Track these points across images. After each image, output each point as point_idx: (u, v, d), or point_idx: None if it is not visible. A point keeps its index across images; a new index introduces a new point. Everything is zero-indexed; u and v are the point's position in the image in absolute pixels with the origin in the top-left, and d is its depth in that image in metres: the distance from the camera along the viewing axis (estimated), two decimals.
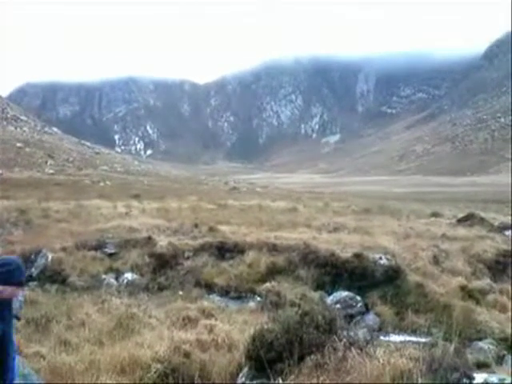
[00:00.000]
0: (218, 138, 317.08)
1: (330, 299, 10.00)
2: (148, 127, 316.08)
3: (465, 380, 3.36)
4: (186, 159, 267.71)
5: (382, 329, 9.24)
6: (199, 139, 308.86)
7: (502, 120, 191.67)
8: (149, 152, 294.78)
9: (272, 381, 3.71)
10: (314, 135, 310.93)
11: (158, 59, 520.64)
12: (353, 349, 4.01)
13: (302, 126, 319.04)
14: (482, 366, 4.12)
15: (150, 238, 13.60)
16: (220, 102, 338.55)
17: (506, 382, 3.46)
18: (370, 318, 9.60)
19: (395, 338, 8.41)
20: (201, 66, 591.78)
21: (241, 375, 4.41)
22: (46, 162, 59.88)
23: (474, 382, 3.42)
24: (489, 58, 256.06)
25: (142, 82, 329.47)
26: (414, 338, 8.29)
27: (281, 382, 3.56)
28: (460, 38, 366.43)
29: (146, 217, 18.27)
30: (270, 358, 4.04)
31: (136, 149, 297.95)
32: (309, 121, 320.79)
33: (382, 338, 8.13)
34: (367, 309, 10.17)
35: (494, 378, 3.52)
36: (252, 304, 10.40)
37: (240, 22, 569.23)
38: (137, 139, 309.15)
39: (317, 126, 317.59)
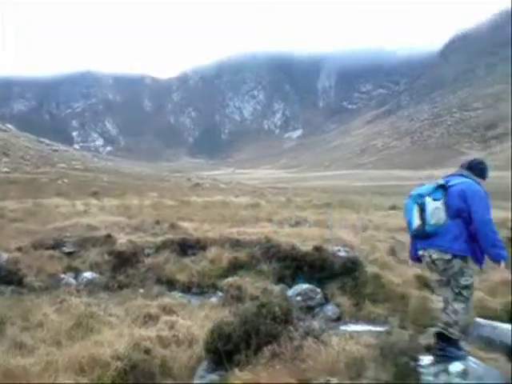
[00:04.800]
0: (180, 134, 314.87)
1: (290, 292, 10.10)
2: (107, 123, 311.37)
3: (412, 363, 3.52)
4: (148, 156, 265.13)
5: (341, 319, 9.40)
6: (161, 135, 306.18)
7: (458, 115, 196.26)
8: (109, 149, 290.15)
9: (230, 372, 3.79)
10: (277, 131, 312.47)
11: (117, 53, 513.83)
12: (309, 338, 4.12)
13: (265, 121, 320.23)
14: (431, 349, 4.27)
15: (109, 235, 13.47)
16: (182, 98, 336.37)
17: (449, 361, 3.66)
18: (330, 309, 9.74)
19: (354, 327, 8.56)
20: (162, 61, 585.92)
21: (200, 368, 4.47)
22: (1, 160, 58.23)
23: (421, 363, 3.60)
24: (445, 55, 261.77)
25: (101, 77, 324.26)
26: (371, 327, 8.46)
27: (238, 372, 3.64)
28: (418, 36, 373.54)
29: (105, 214, 18.10)
30: (228, 349, 4.10)
31: (95, 145, 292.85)
32: (271, 116, 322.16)
33: (341, 327, 8.30)
34: (327, 300, 10.30)
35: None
36: (214, 299, 10.40)
37: (202, 17, 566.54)
38: (96, 135, 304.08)
39: (279, 122, 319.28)
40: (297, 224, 16.56)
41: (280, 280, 10.95)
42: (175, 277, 11.59)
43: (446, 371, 3.58)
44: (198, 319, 8.11)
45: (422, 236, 4.29)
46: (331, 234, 13.83)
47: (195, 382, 4.32)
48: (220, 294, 10.68)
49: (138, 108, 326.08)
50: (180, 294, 10.78)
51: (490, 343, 7.36)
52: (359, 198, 38.61)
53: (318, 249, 11.50)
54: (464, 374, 3.60)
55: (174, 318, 8.11)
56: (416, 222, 4.25)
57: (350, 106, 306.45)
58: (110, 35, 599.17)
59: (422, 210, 4.20)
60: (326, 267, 11.04)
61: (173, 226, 15.08)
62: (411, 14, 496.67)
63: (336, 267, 11.02)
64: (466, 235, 4.19)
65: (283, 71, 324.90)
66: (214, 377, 4.19)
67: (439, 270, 4.34)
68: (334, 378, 3.49)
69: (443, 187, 4.26)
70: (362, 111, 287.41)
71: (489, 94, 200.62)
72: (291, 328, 4.13)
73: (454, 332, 4.19)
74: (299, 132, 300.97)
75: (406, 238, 14.53)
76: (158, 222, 15.81)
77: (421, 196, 4.25)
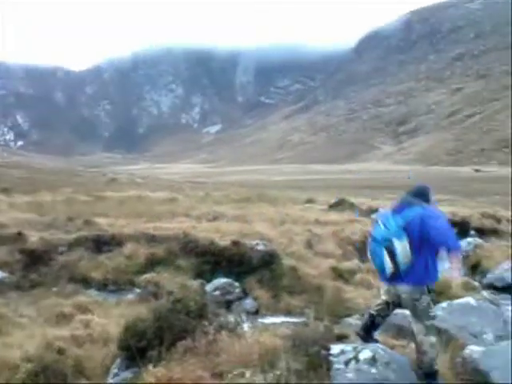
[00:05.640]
0: (95, 128, 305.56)
1: (209, 287, 10.12)
2: (18, 116, 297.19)
3: (323, 351, 3.64)
4: (61, 150, 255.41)
5: (259, 312, 9.53)
6: (75, 129, 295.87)
7: (372, 111, 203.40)
8: (20, 143, 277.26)
9: (143, 368, 3.75)
10: (195, 125, 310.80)
11: (28, 45, 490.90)
12: (223, 331, 4.15)
13: (183, 115, 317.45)
14: (343, 337, 4.45)
15: (20, 233, 12.89)
16: (96, 91, 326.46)
17: (359, 349, 3.82)
18: (248, 303, 9.87)
19: (271, 319, 8.71)
20: (75, 53, 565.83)
21: (113, 366, 4.39)
22: None
23: (332, 352, 3.73)
24: (359, 52, 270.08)
25: (12, 69, 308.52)
26: (288, 319, 8.63)
27: (151, 368, 3.61)
28: (333, 32, 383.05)
29: (15, 211, 17.29)
30: (142, 346, 4.07)
31: (5, 140, 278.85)
32: (189, 111, 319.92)
33: (258, 320, 8.42)
34: (245, 293, 10.41)
35: (349, 347, 3.84)
36: (131, 296, 10.24)
37: (115, 7, 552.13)
38: (6, 129, 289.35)
39: (197, 116, 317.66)
40: (215, 219, 16.57)
41: (198, 275, 10.93)
42: (90, 274, 11.29)
43: (356, 358, 3.73)
44: (113, 317, 7.96)
45: (397, 277, 4.35)
46: (249, 229, 13.96)
47: (109, 380, 4.25)
48: (137, 290, 10.52)
49: (51, 101, 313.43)
50: (96, 292, 10.53)
51: (401, 330, 7.72)
52: (277, 192, 39.15)
53: (236, 243, 11.57)
54: (372, 360, 3.76)
55: (89, 316, 7.92)
56: (389, 267, 4.25)
57: (267, 101, 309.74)
58: (21, 26, 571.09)
59: (392, 253, 4.21)
60: (245, 261, 11.14)
61: (87, 223, 14.65)
62: (327, 11, 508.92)
63: (254, 261, 11.14)
64: (433, 260, 4.37)
65: (201, 65, 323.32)
66: (127, 374, 4.13)
67: (406, 307, 4.51)
68: (247, 370, 3.55)
69: (403, 225, 4.29)
70: (280, 106, 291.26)
71: (400, 90, 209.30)
72: (206, 322, 4.15)
73: (427, 368, 4.35)
74: (218, 127, 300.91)
75: (321, 231, 14.95)
76: (71, 219, 15.29)
77: (387, 240, 4.24)
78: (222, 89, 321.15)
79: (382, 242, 4.27)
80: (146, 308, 5.81)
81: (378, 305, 4.82)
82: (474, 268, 14.57)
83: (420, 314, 4.44)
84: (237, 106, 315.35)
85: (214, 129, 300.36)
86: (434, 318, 4.55)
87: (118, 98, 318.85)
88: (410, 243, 4.21)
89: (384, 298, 4.70)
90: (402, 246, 4.17)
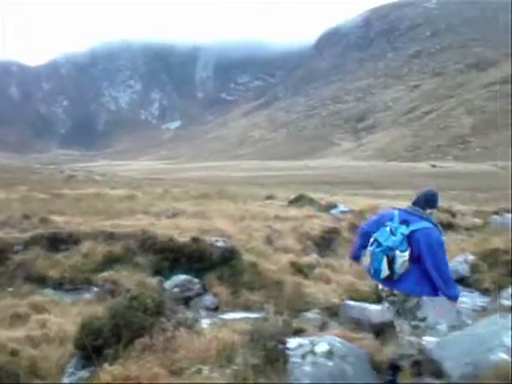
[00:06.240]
0: (51, 125, 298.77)
1: (168, 284, 10.05)
2: None
3: (280, 345, 3.68)
4: (17, 147, 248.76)
5: (218, 308, 9.53)
6: (31, 126, 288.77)
7: (331, 107, 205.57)
8: None
9: (99, 367, 3.70)
10: (154, 121, 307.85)
11: None
12: (181, 328, 4.13)
13: (142, 111, 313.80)
14: (301, 331, 4.48)
15: None
16: (53, 86, 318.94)
17: (316, 342, 3.87)
18: (208, 299, 9.85)
19: (231, 315, 8.72)
20: (29, 48, 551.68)
21: (69, 366, 4.32)
22: None
23: (289, 345, 3.77)
24: (318, 48, 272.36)
25: None
26: (248, 314, 8.65)
27: (107, 367, 3.57)
28: (293, 28, 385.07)
29: None
30: (98, 344, 4.01)
31: None
32: (148, 107, 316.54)
33: (218, 316, 8.42)
34: (205, 290, 10.38)
35: (306, 341, 3.89)
36: (88, 295, 10.09)
37: (73, 2, 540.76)
38: None
39: (157, 112, 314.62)
40: (174, 215, 16.41)
41: (157, 272, 10.84)
42: (47, 273, 11.05)
43: (313, 352, 3.77)
44: (70, 316, 7.82)
45: (389, 281, 4.50)
46: (209, 225, 13.91)
47: (64, 380, 4.18)
48: (95, 289, 10.37)
49: (6, 97, 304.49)
50: (52, 291, 10.33)
51: (359, 324, 7.86)
52: (237, 188, 39.16)
53: (195, 240, 11.52)
54: (329, 353, 3.81)
55: (45, 316, 7.76)
56: (385, 271, 4.40)
57: (227, 98, 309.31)
58: None
59: (392, 261, 4.35)
60: (204, 258, 11.10)
61: (43, 220, 14.30)
62: (287, 7, 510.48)
63: (214, 257, 11.12)
64: (426, 277, 4.44)
65: (160, 60, 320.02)
66: (83, 373, 4.07)
67: (399, 302, 4.58)
68: (205, 366, 3.55)
69: (408, 236, 4.41)
70: (240, 103, 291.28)
71: (359, 87, 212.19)
72: (164, 319, 4.13)
73: (404, 365, 4.49)
74: (177, 123, 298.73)
75: (281, 227, 15.03)
76: (27, 217, 14.90)
77: (391, 249, 4.35)
78: (182, 84, 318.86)
79: (385, 250, 4.40)
80: (103, 306, 5.74)
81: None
82: None
83: (406, 313, 4.58)
84: (196, 102, 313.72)
85: (173, 125, 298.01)
86: (422, 319, 4.69)
87: (76, 93, 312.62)
88: (410, 254, 4.38)
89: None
90: (402, 258, 4.33)
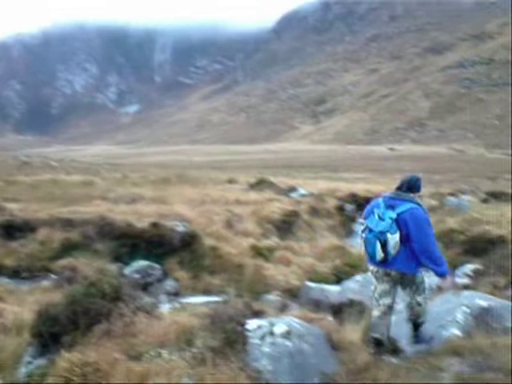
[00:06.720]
0: (3, 109, 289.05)
1: (128, 270, 9.98)
2: None
3: (239, 328, 3.72)
4: None
5: (180, 293, 9.53)
6: None
7: (291, 91, 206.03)
8: None
9: (57, 355, 3.67)
10: (112, 105, 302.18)
11: None
12: (140, 313, 4.13)
13: (99, 95, 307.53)
14: (261, 313, 4.53)
15: None
16: (4, 69, 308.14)
17: (274, 323, 3.93)
18: (169, 284, 9.83)
19: (192, 299, 8.74)
20: None
21: (26, 354, 4.26)
22: None
23: (248, 327, 3.82)
24: (277, 32, 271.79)
25: None
26: (210, 298, 8.69)
27: (65, 354, 3.54)
28: (253, 11, 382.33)
29: None
30: (56, 332, 3.97)
31: None
32: (105, 90, 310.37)
33: (180, 300, 8.43)
34: (166, 275, 10.36)
35: (265, 322, 3.94)
36: (46, 283, 9.92)
37: None
38: None
39: (114, 96, 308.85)
40: (133, 201, 16.25)
41: (117, 259, 10.74)
42: (2, 262, 10.82)
43: (271, 333, 3.82)
44: (27, 304, 7.68)
45: (384, 263, 4.83)
46: (169, 210, 13.84)
47: (22, 369, 4.12)
48: (53, 276, 10.22)
49: None
50: (8, 280, 10.12)
51: (318, 304, 7.99)
52: (197, 172, 39.00)
53: (155, 225, 11.45)
54: (287, 334, 3.87)
55: (1, 305, 7.60)
56: (379, 255, 4.73)
57: (186, 81, 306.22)
58: None
59: (384, 244, 4.68)
60: (165, 243, 11.05)
61: None
62: None
63: (174, 242, 11.08)
64: (415, 255, 4.79)
65: (116, 43, 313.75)
66: (41, 362, 4.02)
67: (396, 279, 4.94)
68: (164, 350, 3.56)
69: (396, 219, 4.72)
70: (199, 86, 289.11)
71: (318, 71, 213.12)
72: (122, 305, 4.11)
73: (421, 320, 5.06)
74: (135, 107, 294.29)
75: (241, 211, 15.08)
76: None
77: (382, 233, 4.68)
78: (139, 68, 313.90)
79: (377, 235, 4.73)
80: (61, 294, 5.66)
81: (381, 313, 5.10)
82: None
83: (408, 288, 4.99)
84: (155, 85, 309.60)
85: (131, 109, 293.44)
86: (421, 282, 5.04)
87: (29, 76, 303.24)
88: (400, 235, 4.71)
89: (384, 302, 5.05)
90: (394, 240, 4.67)
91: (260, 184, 22.79)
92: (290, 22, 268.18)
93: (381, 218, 4.77)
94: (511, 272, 8.41)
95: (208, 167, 58.69)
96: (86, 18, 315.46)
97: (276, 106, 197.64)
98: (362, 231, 4.97)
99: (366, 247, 4.92)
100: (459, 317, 5.38)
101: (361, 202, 23.44)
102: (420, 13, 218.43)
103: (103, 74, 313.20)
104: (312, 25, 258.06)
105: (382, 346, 4.83)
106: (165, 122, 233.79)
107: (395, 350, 4.88)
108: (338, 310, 7.39)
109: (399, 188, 4.98)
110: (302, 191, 22.22)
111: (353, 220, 21.00)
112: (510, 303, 5.82)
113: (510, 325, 5.23)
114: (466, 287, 7.45)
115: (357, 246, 14.97)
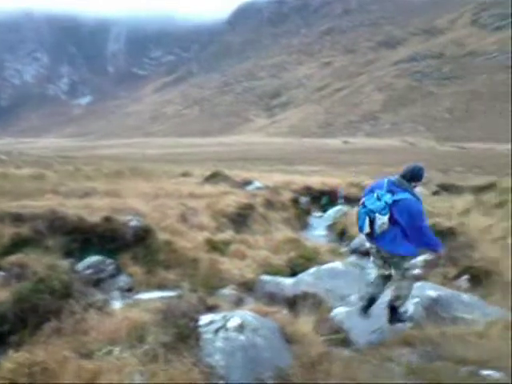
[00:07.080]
0: None
1: (80, 265, 9.78)
2: None
3: (192, 323, 3.70)
4: None
5: (133, 288, 9.40)
6: None
7: (245, 84, 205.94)
8: None
9: (5, 354, 3.56)
10: (64, 96, 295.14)
11: None
12: (91, 310, 4.06)
13: (50, 86, 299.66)
14: (215, 308, 4.52)
15: None
16: None
17: (228, 317, 3.93)
18: (122, 279, 9.67)
19: (146, 295, 8.64)
20: None
21: None
22: None
23: (201, 322, 3.81)
24: (232, 24, 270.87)
25: None
26: (164, 293, 8.61)
27: (12, 354, 3.44)
28: (207, 1, 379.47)
29: None
30: (3, 331, 3.86)
31: None
32: (56, 81, 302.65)
33: (134, 296, 8.32)
34: (120, 271, 10.20)
35: (218, 317, 3.94)
36: None
37: None
38: None
39: (66, 87, 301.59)
40: (86, 195, 15.91)
41: (69, 254, 10.51)
42: None
43: (225, 327, 3.82)
44: None
45: (370, 237, 5.36)
46: (122, 204, 13.62)
47: None
48: (1, 273, 9.94)
49: None
50: None
51: (273, 297, 8.03)
52: (151, 166, 38.56)
53: (107, 219, 11.25)
54: (241, 327, 3.87)
55: None
56: (366, 229, 5.27)
57: (140, 72, 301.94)
58: None
59: (372, 222, 5.20)
60: (118, 238, 10.87)
61: None
62: None
63: (128, 237, 10.92)
64: (402, 237, 5.21)
65: (67, 32, 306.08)
66: None
67: (386, 257, 5.41)
68: (115, 347, 3.51)
69: (390, 204, 5.18)
70: (153, 78, 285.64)
71: (273, 64, 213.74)
72: (72, 302, 4.03)
73: (398, 303, 5.40)
74: (88, 98, 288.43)
75: (196, 204, 14.99)
76: None
77: (372, 211, 5.19)
78: (92, 58, 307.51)
79: (368, 212, 5.25)
80: (8, 292, 5.50)
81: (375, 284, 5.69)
82: (342, 234, 15.42)
83: (395, 266, 5.39)
84: (108, 76, 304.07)
85: (84, 101, 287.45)
86: (406, 269, 5.43)
87: None
88: (390, 218, 5.15)
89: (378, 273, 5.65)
90: (380, 221, 5.15)
91: (215, 177, 22.72)
92: (246, 14, 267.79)
93: (378, 199, 5.25)
94: (461, 263, 8.66)
95: (162, 160, 58.11)
96: (34, 5, 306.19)
97: (230, 99, 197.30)
98: (358, 205, 5.51)
99: (357, 219, 5.44)
100: (411, 308, 5.54)
101: (315, 195, 23.78)
102: (374, 7, 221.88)
103: (54, 64, 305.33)
104: (267, 17, 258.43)
105: (374, 301, 5.53)
106: (118, 113, 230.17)
107: (346, 342, 4.97)
108: (293, 303, 7.44)
109: (403, 176, 5.41)
110: (258, 184, 22.29)
111: (307, 213, 21.22)
112: (458, 293, 6.02)
113: (458, 314, 5.41)
114: (417, 278, 7.64)
115: (311, 238, 15.16)
